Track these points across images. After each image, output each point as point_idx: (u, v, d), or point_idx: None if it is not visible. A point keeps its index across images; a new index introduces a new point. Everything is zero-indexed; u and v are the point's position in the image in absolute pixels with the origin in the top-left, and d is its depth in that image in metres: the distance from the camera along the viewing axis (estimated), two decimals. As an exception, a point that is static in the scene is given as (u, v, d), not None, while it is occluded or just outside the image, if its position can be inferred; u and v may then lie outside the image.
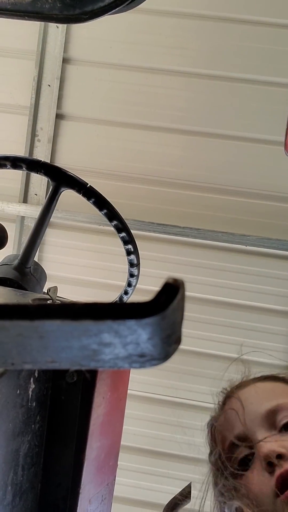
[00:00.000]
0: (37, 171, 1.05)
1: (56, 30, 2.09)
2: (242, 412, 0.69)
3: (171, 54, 2.06)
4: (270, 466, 0.62)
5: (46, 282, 1.11)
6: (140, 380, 2.08)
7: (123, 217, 1.09)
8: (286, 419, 0.67)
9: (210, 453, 0.73)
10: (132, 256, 1.14)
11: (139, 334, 0.21)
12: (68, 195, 1.14)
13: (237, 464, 0.66)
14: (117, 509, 0.73)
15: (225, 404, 0.75)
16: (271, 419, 0.67)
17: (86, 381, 0.51)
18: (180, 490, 0.84)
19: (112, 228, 1.10)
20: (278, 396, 0.71)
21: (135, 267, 1.17)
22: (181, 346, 0.23)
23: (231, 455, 0.67)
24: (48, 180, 1.08)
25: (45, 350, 0.22)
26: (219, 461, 0.68)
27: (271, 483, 0.61)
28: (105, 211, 1.07)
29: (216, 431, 0.72)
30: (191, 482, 0.81)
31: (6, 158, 1.03)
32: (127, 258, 1.15)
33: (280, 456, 0.61)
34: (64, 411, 0.51)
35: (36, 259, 1.10)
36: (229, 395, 0.76)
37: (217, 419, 0.74)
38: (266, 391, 0.72)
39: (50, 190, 1.07)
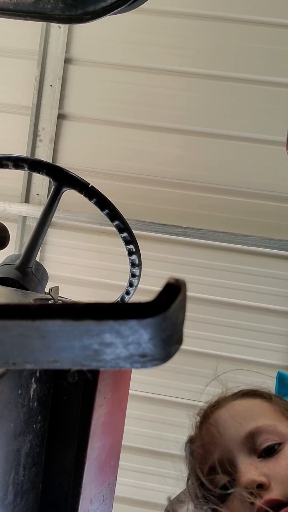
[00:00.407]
0: (39, 171, 1.06)
1: (58, 30, 2.09)
2: (219, 436, 0.66)
3: (172, 54, 2.06)
4: (251, 495, 0.59)
5: (48, 282, 1.12)
6: (141, 380, 2.08)
7: (124, 217, 1.09)
8: (266, 443, 0.63)
9: (188, 479, 0.70)
10: (134, 256, 1.14)
11: (141, 334, 0.21)
12: (69, 195, 1.14)
13: (217, 491, 0.63)
14: (118, 509, 0.73)
15: (202, 427, 0.71)
16: (250, 443, 0.63)
17: (88, 381, 0.51)
18: (182, 490, 0.83)
19: (114, 228, 1.10)
20: (257, 416, 0.66)
21: (137, 267, 1.17)
22: (183, 346, 0.23)
23: (210, 482, 0.64)
24: (50, 180, 1.09)
25: (47, 350, 0.22)
26: (197, 489, 0.65)
27: None
28: (106, 211, 1.07)
29: (194, 456, 0.69)
30: None
31: (8, 158, 1.03)
32: (129, 258, 1.15)
33: (261, 486, 0.59)
34: (66, 411, 0.51)
35: (37, 259, 1.10)
36: (205, 417, 0.72)
37: (194, 442, 0.70)
38: (244, 412, 0.68)
39: (52, 190, 1.07)
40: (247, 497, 0.59)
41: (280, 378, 0.87)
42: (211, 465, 0.65)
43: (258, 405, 0.70)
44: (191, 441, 0.72)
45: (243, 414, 0.67)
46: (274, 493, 0.58)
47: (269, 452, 0.62)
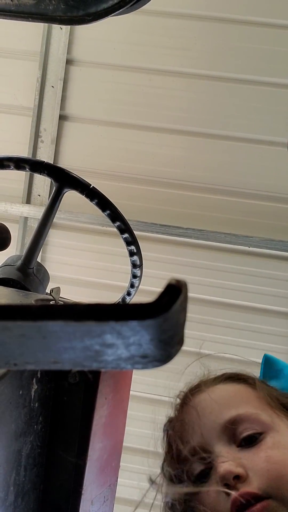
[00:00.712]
0: (40, 172, 1.06)
1: (60, 31, 2.10)
2: (198, 422, 0.63)
3: (173, 55, 2.06)
4: (227, 487, 0.56)
5: (49, 283, 1.12)
6: (142, 381, 2.07)
7: (125, 218, 1.09)
8: (246, 432, 0.60)
9: (163, 463, 0.67)
10: (135, 257, 1.14)
11: (142, 335, 0.21)
12: (71, 196, 1.14)
13: (193, 479, 0.60)
14: (119, 511, 0.73)
15: (182, 410, 0.68)
16: (230, 431, 0.60)
17: (89, 382, 0.51)
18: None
19: (115, 229, 1.10)
20: (239, 403, 0.63)
21: (138, 268, 1.17)
22: (184, 347, 0.23)
23: (187, 468, 0.61)
24: (51, 181, 1.09)
25: (48, 351, 0.22)
26: (173, 474, 0.63)
27: (227, 506, 0.55)
28: (108, 212, 1.07)
29: (172, 440, 0.66)
30: None
31: (10, 159, 1.03)
32: (130, 259, 1.15)
33: (238, 477, 0.56)
34: (67, 412, 0.51)
35: (39, 259, 1.10)
36: (186, 400, 0.69)
37: (173, 425, 0.68)
38: (226, 397, 0.64)
39: (53, 191, 1.07)
40: (223, 488, 0.56)
41: (266, 361, 0.83)
42: (188, 451, 0.62)
43: (241, 391, 0.66)
44: (169, 423, 0.69)
45: (224, 400, 0.64)
46: (251, 486, 0.55)
47: (249, 441, 0.59)
